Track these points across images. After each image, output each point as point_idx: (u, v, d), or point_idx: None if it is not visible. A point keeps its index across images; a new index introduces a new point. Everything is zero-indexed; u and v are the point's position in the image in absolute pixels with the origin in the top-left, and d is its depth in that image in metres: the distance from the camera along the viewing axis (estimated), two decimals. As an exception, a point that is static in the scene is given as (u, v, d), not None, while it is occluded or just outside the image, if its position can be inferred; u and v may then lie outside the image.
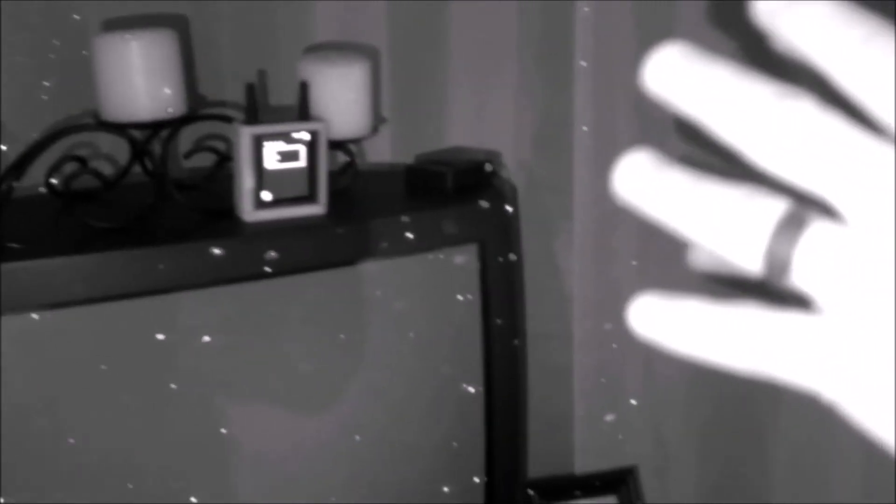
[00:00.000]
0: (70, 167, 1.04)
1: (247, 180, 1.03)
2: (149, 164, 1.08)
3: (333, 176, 1.12)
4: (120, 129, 1.04)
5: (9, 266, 0.92)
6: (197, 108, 1.13)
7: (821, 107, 0.30)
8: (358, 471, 1.14)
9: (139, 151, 1.07)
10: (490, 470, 1.22)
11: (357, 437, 1.12)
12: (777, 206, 0.30)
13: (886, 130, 0.30)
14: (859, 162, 0.29)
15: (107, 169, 1.16)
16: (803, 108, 0.30)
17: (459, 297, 1.16)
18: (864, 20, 0.30)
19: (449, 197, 1.17)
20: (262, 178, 1.04)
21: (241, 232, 1.04)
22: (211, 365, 1.03)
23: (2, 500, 0.94)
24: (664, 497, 1.46)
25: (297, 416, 1.10)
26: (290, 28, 1.26)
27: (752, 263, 0.30)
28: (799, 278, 0.30)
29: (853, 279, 0.29)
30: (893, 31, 0.30)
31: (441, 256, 1.14)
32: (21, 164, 1.04)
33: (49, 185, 1.05)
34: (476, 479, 1.21)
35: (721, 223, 0.31)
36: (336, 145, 1.14)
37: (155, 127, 1.05)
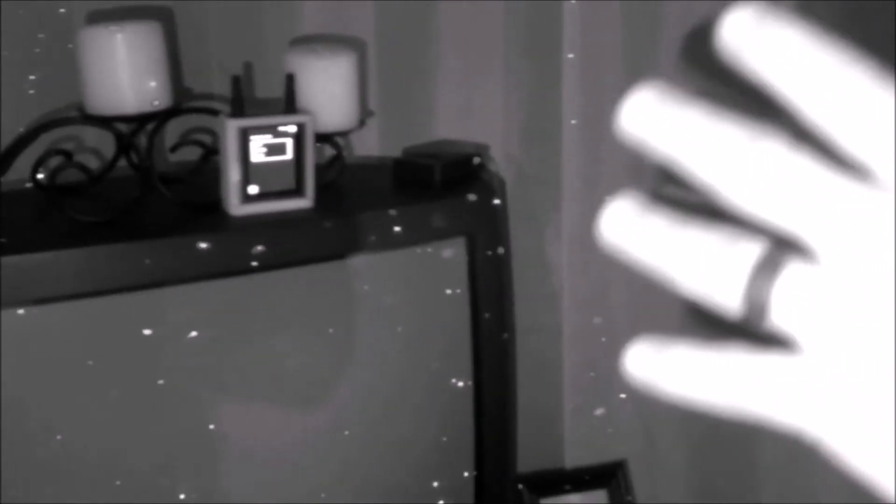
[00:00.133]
0: (55, 161, 1.04)
1: (233, 174, 1.03)
2: (134, 158, 1.07)
3: (320, 169, 1.11)
4: (105, 122, 1.04)
5: (-7, 260, 0.91)
6: (183, 101, 1.13)
7: (792, 147, 0.30)
8: (347, 466, 1.13)
9: (125, 145, 1.06)
10: (480, 465, 1.21)
11: (346, 433, 1.12)
12: (754, 249, 0.31)
13: (858, 164, 0.30)
14: (831, 202, 0.30)
15: (92, 163, 1.15)
16: (775, 150, 0.30)
17: (448, 291, 1.15)
18: (833, 51, 0.30)
19: (437, 190, 1.17)
20: (249, 171, 1.03)
21: (228, 226, 1.04)
22: (198, 360, 1.03)
23: (-13, 497, 0.93)
24: (654, 490, 1.46)
25: (285, 411, 1.10)
26: (277, 20, 1.25)
27: (731, 306, 0.31)
28: (777, 319, 0.30)
29: (830, 318, 0.30)
30: (862, 62, 0.30)
31: (429, 250, 1.13)
32: (6, 158, 1.03)
33: (35, 180, 1.04)
34: (466, 474, 1.21)
35: (700, 267, 0.31)
36: (323, 138, 1.14)
37: (140, 120, 1.04)
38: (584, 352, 1.43)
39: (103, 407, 0.99)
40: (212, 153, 1.12)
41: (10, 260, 0.92)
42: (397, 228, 1.08)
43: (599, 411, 1.45)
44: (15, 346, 0.92)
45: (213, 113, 1.09)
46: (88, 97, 1.03)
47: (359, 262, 1.09)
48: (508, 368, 1.25)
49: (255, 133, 1.03)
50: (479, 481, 1.22)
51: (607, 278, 1.38)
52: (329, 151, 1.18)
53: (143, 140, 1.06)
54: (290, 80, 1.07)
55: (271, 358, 1.07)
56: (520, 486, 1.38)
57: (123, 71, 1.01)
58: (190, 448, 1.05)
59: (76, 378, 0.97)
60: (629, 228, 0.33)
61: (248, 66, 1.23)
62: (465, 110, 1.34)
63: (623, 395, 1.43)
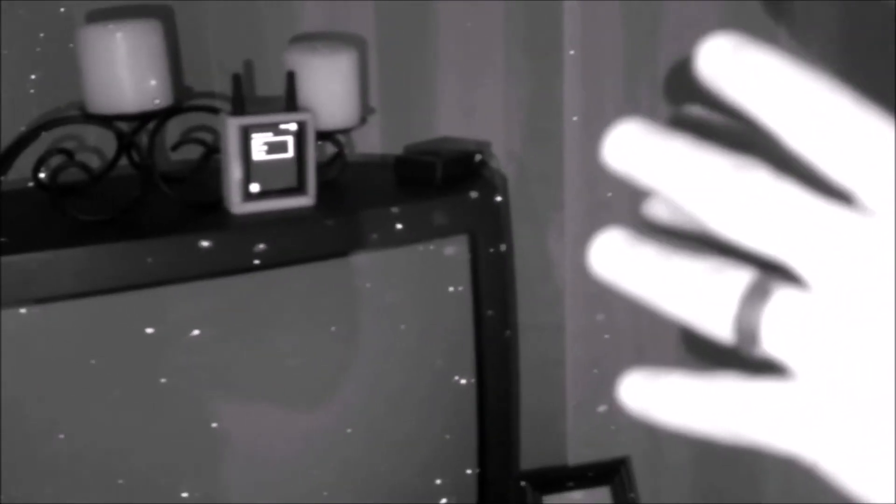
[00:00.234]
0: (56, 160, 1.04)
1: (234, 172, 1.03)
2: (136, 157, 1.07)
3: (322, 167, 1.11)
4: (106, 121, 1.04)
5: (-4, 260, 0.91)
6: (183, 99, 1.13)
7: (776, 175, 0.31)
8: (350, 464, 1.13)
9: (126, 144, 1.06)
10: (483, 462, 1.21)
11: (348, 430, 1.12)
12: (744, 276, 0.31)
13: (841, 189, 0.30)
14: (816, 228, 0.30)
15: (94, 162, 1.15)
16: (759, 178, 0.31)
17: (450, 289, 1.15)
18: (812, 77, 0.31)
19: (439, 188, 1.17)
20: (250, 169, 1.03)
21: (230, 224, 1.04)
22: (200, 359, 1.03)
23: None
24: (657, 487, 1.46)
25: (287, 409, 1.10)
26: (277, 18, 1.25)
27: (723, 334, 0.31)
28: (768, 346, 0.31)
29: (820, 344, 0.30)
30: (843, 87, 0.30)
31: (431, 248, 1.13)
32: (7, 157, 1.03)
33: (36, 179, 1.04)
34: (469, 471, 1.21)
35: (690, 295, 0.32)
36: (324, 136, 1.14)
37: (141, 119, 1.04)
38: (587, 349, 1.43)
39: (105, 406, 0.99)
40: (213, 152, 1.11)
41: (12, 259, 0.92)
42: (399, 226, 1.08)
43: (602, 408, 1.45)
44: (16, 345, 0.92)
45: (214, 111, 1.09)
46: (89, 96, 1.03)
47: (361, 260, 1.09)
48: (511, 366, 1.25)
49: (256, 131, 1.02)
50: (482, 478, 1.22)
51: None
52: (330, 149, 1.18)
53: (144, 139, 1.06)
54: (290, 77, 1.07)
55: (273, 356, 1.07)
56: (523, 483, 1.38)
57: (124, 70, 1.01)
58: (192, 447, 1.05)
59: (78, 377, 0.97)
60: (619, 258, 0.33)
61: (248, 65, 1.23)
62: (467, 107, 1.34)
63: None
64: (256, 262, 1.01)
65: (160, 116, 1.05)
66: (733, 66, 0.31)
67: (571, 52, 1.31)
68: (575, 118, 1.33)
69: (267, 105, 1.12)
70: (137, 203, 1.03)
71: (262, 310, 1.06)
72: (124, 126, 1.05)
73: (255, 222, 1.04)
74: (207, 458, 1.07)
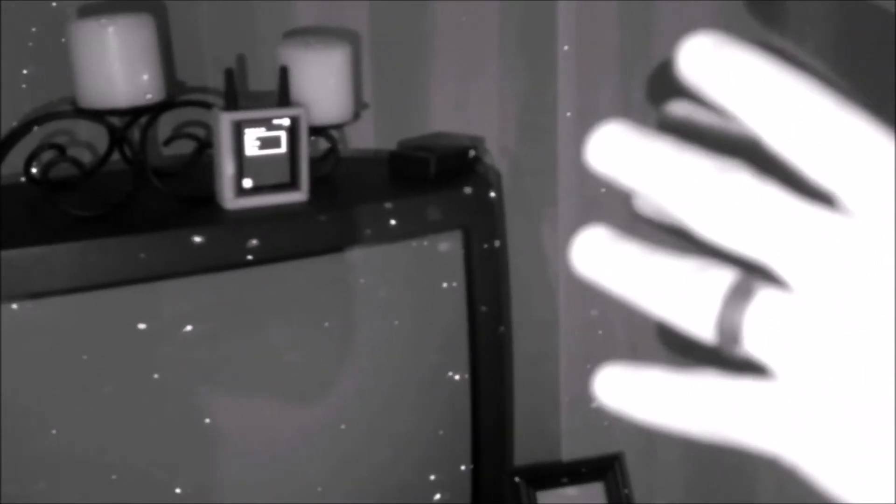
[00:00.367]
0: (48, 155, 1.03)
1: (227, 167, 1.02)
2: (128, 152, 1.07)
3: (315, 162, 1.11)
4: (98, 116, 1.03)
5: (-14, 255, 0.90)
6: (176, 94, 1.12)
7: (758, 177, 0.31)
8: (343, 460, 1.13)
9: (118, 139, 1.06)
10: (476, 457, 1.21)
11: (342, 427, 1.12)
12: (726, 276, 0.31)
13: (823, 191, 0.30)
14: (797, 230, 0.30)
15: (85, 157, 1.15)
16: (741, 180, 0.31)
17: (444, 285, 1.15)
18: (793, 77, 0.31)
19: (432, 183, 1.16)
20: (243, 164, 1.03)
21: (222, 219, 1.03)
22: (193, 354, 1.02)
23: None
24: (650, 483, 1.46)
25: (281, 405, 1.09)
26: (270, 12, 1.25)
27: (704, 333, 0.31)
28: (750, 346, 0.31)
29: (801, 345, 0.30)
30: (825, 88, 0.31)
31: (425, 243, 1.13)
32: (-2, 152, 1.02)
33: (28, 174, 1.04)
34: (463, 467, 1.21)
35: (673, 294, 0.32)
36: (317, 131, 1.13)
37: (133, 114, 1.04)
38: (581, 344, 1.43)
39: (98, 402, 0.99)
40: (205, 147, 1.11)
41: (4, 254, 0.91)
42: (393, 222, 1.08)
43: (596, 404, 1.45)
44: (8, 340, 0.92)
45: (207, 106, 1.09)
46: (81, 91, 1.02)
47: (354, 256, 1.09)
48: (505, 361, 1.25)
49: (249, 126, 1.02)
50: (476, 474, 1.22)
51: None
52: (324, 144, 1.18)
53: (136, 134, 1.06)
54: (283, 72, 1.06)
55: (267, 352, 1.07)
56: (516, 478, 1.38)
57: (116, 64, 1.00)
58: (185, 443, 1.05)
59: (70, 373, 0.97)
60: (602, 256, 0.33)
61: (241, 59, 1.23)
62: (461, 103, 1.34)
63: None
64: (249, 257, 1.01)
65: (152, 111, 1.05)
66: (714, 65, 0.31)
67: (566, 48, 1.31)
68: (569, 114, 1.33)
69: (260, 100, 1.11)
70: (129, 198, 1.03)
71: (255, 305, 1.06)
72: (116, 121, 1.04)
73: (247, 218, 1.03)
74: (200, 454, 1.06)
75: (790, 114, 0.30)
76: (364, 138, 1.30)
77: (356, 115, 1.18)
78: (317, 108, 1.09)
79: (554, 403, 1.46)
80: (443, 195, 1.14)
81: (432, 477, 1.19)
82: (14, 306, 0.92)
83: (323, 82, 1.12)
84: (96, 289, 0.96)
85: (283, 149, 1.04)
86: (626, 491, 1.42)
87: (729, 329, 0.31)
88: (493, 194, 1.18)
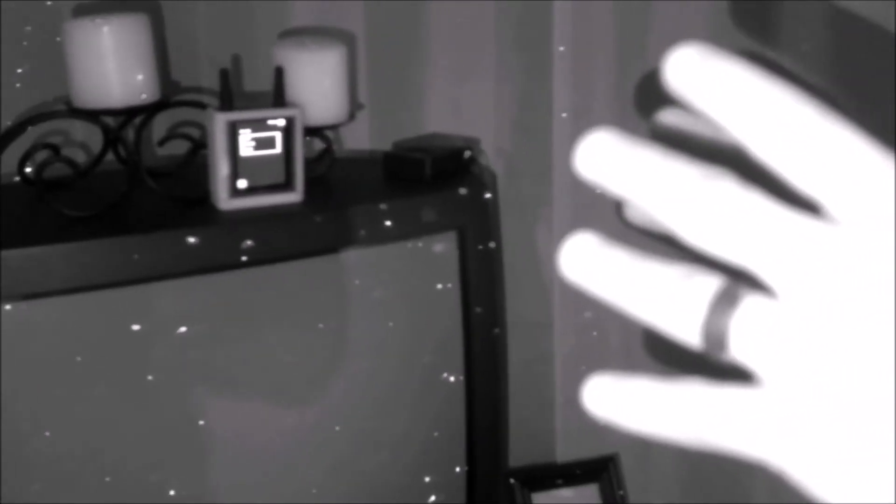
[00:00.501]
0: (42, 155, 1.03)
1: (222, 168, 1.02)
2: (122, 152, 1.07)
3: (310, 163, 1.11)
4: (92, 116, 1.03)
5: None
6: (170, 94, 1.12)
7: (743, 184, 0.31)
8: (338, 461, 1.13)
9: (112, 139, 1.06)
10: (471, 459, 1.21)
11: (336, 428, 1.11)
12: (713, 282, 0.31)
13: (808, 199, 0.31)
14: (782, 238, 0.30)
15: (80, 157, 1.14)
16: (726, 188, 0.31)
17: (439, 286, 1.15)
18: (779, 87, 0.31)
19: (428, 184, 1.16)
20: (238, 165, 1.03)
21: (217, 220, 1.03)
22: (188, 356, 1.02)
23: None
24: (645, 484, 1.46)
25: (275, 406, 1.09)
26: (266, 13, 1.25)
27: (691, 339, 0.31)
28: (736, 352, 0.31)
29: (787, 351, 0.30)
30: (809, 97, 0.31)
31: (420, 244, 1.13)
32: (-9, 152, 1.02)
33: (22, 174, 1.03)
34: (457, 469, 1.21)
35: (659, 300, 0.32)
36: (312, 132, 1.13)
37: (128, 114, 1.04)
38: (576, 346, 1.43)
39: (92, 403, 0.98)
40: (200, 147, 1.11)
41: (-3, 255, 0.91)
42: (388, 223, 1.08)
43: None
44: (1, 341, 0.92)
45: (202, 106, 1.08)
46: (75, 91, 1.02)
47: (349, 257, 1.09)
48: (500, 363, 1.25)
49: (243, 127, 1.02)
50: (471, 476, 1.21)
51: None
52: (319, 145, 1.17)
53: (130, 134, 1.06)
54: (278, 73, 1.06)
55: (261, 353, 1.06)
56: (511, 480, 1.38)
57: (110, 64, 1.00)
58: (180, 444, 1.05)
59: (64, 374, 0.96)
60: (589, 261, 0.33)
61: (236, 60, 1.23)
62: (456, 104, 1.34)
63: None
64: (244, 258, 1.01)
65: (147, 111, 1.05)
66: (700, 75, 0.31)
67: (561, 49, 1.31)
68: (564, 115, 1.33)
69: (255, 100, 1.11)
70: (124, 198, 1.03)
71: (250, 306, 1.05)
72: (111, 121, 1.04)
73: (242, 218, 1.03)
74: (195, 456, 1.06)
75: (775, 124, 0.31)
76: (359, 139, 1.30)
77: (351, 116, 1.18)
78: (312, 109, 1.09)
79: (549, 404, 1.46)
80: (438, 196, 1.14)
81: (427, 478, 1.19)
82: (7, 307, 0.92)
83: (318, 83, 1.11)
84: (90, 290, 0.96)
85: (278, 149, 1.04)
86: (620, 492, 1.42)
87: (715, 335, 0.31)
88: (488, 195, 1.18)
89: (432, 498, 1.19)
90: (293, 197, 1.06)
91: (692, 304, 0.31)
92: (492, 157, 1.36)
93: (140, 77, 1.02)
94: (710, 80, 0.31)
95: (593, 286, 0.34)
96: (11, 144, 1.03)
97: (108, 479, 1.00)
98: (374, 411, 1.14)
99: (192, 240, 0.98)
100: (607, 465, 1.43)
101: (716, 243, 0.31)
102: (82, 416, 0.98)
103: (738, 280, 0.31)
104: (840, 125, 0.30)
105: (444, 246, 1.14)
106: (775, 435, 0.31)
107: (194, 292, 1.02)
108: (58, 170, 1.03)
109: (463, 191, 1.15)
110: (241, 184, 1.03)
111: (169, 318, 1.01)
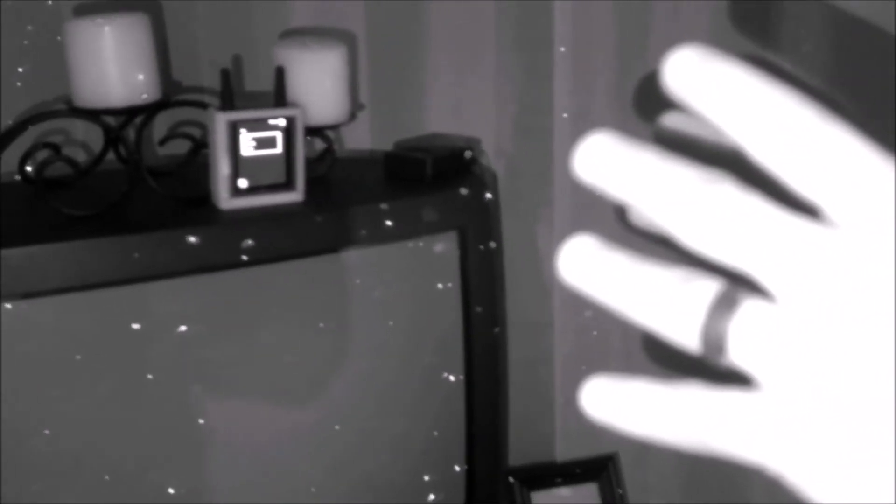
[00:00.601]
0: (43, 154, 1.03)
1: (222, 167, 1.02)
2: (123, 151, 1.07)
3: (311, 163, 1.11)
4: (93, 115, 1.03)
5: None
6: (171, 94, 1.12)
7: (743, 188, 0.31)
8: (338, 461, 1.13)
9: (113, 138, 1.06)
10: (471, 458, 1.21)
11: (336, 427, 1.11)
12: (712, 286, 0.31)
13: (807, 202, 0.30)
14: (781, 241, 0.30)
15: (80, 156, 1.14)
16: (726, 191, 0.31)
17: (439, 286, 1.15)
18: (778, 90, 0.31)
19: (428, 184, 1.16)
20: (238, 165, 1.03)
21: (218, 220, 1.03)
22: (188, 355, 1.02)
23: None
24: (644, 483, 1.46)
25: (275, 405, 1.09)
26: (266, 13, 1.25)
27: (689, 343, 0.31)
28: (735, 356, 0.31)
29: (785, 355, 0.30)
30: (809, 100, 0.31)
31: (420, 244, 1.13)
32: (-8, 151, 1.02)
33: (23, 173, 1.03)
34: (457, 468, 1.21)
35: (658, 304, 0.32)
36: (313, 132, 1.13)
37: (129, 113, 1.04)
38: (575, 345, 1.43)
39: (91, 402, 0.99)
40: (201, 147, 1.11)
41: (-2, 254, 0.91)
42: (388, 222, 1.08)
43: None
44: (1, 340, 0.92)
45: (203, 106, 1.08)
46: (76, 90, 1.02)
47: (350, 257, 1.09)
48: (500, 362, 1.25)
49: (244, 126, 1.02)
50: (471, 475, 1.21)
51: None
52: (319, 145, 1.18)
53: (131, 133, 1.06)
54: (279, 73, 1.06)
55: (261, 353, 1.06)
56: (511, 479, 1.38)
57: (111, 63, 1.00)
58: (179, 443, 1.05)
59: (64, 373, 0.96)
60: (588, 265, 0.33)
61: (237, 60, 1.23)
62: (457, 104, 1.34)
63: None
64: (244, 257, 1.01)
65: (148, 111, 1.05)
66: (699, 78, 0.31)
67: (562, 49, 1.31)
68: (565, 115, 1.33)
69: (256, 100, 1.11)
70: (124, 198, 1.03)
71: (250, 306, 1.05)
72: (111, 120, 1.04)
73: (243, 218, 1.03)
74: (194, 455, 1.06)
75: (774, 126, 0.30)
76: (360, 139, 1.30)
77: (352, 116, 1.18)
78: (313, 109, 1.09)
79: (548, 404, 1.46)
80: (438, 196, 1.14)
81: (426, 477, 1.19)
82: (7, 305, 0.92)
83: (319, 83, 1.11)
84: (90, 289, 0.96)
85: (279, 149, 1.04)
86: (619, 491, 1.42)
87: (714, 339, 0.31)
88: (488, 195, 1.18)
89: (432, 497, 1.19)
90: (294, 197, 1.06)
91: (691, 307, 0.31)
92: (492, 158, 1.36)
93: (141, 77, 1.02)
94: (709, 83, 0.31)
95: (592, 290, 0.34)
96: (12, 144, 1.03)
97: (107, 477, 1.00)
98: (374, 410, 1.14)
99: (192, 239, 0.98)
100: (606, 464, 1.43)
101: (714, 247, 0.31)
102: (82, 415, 0.98)
103: (737, 284, 0.31)
104: (839, 128, 0.30)
105: (444, 246, 1.14)
106: (773, 439, 0.31)
107: (195, 292, 1.02)
108: (58, 169, 1.03)
109: (464, 191, 1.15)
110: (242, 183, 1.03)
111: (169, 317, 1.01)
